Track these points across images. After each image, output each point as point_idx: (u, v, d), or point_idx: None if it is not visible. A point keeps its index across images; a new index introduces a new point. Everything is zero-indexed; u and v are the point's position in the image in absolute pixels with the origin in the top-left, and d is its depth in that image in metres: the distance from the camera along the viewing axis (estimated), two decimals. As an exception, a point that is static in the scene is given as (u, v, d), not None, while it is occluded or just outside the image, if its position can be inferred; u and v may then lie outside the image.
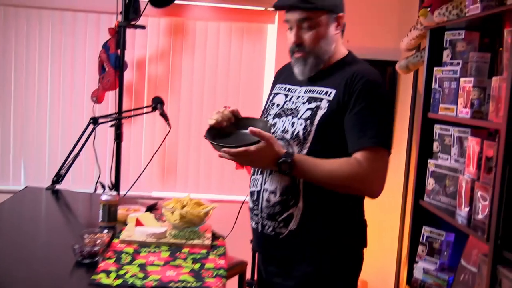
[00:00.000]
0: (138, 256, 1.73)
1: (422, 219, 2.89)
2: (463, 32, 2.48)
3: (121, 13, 3.21)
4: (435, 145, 2.74)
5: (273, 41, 3.64)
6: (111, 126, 3.23)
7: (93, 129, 2.73)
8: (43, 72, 3.61)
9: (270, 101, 1.95)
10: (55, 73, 3.61)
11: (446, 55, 2.58)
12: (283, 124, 1.81)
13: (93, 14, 3.56)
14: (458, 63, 2.47)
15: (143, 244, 1.84)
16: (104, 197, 2.04)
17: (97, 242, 1.70)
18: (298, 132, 1.74)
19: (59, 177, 2.71)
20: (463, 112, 2.39)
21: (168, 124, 3.03)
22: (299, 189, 1.73)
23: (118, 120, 3.20)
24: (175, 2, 3.50)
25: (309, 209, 1.72)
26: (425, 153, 2.84)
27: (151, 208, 2.31)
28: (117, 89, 3.29)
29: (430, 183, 2.71)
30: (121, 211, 2.14)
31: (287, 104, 1.84)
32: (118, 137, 3.26)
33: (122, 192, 3.29)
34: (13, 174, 3.67)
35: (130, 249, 1.79)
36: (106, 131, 3.45)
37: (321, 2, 1.72)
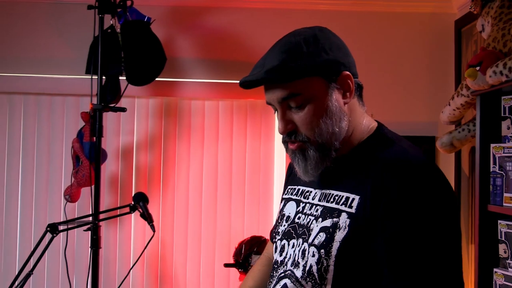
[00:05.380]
0: None
1: None
2: (528, 95, 1.84)
3: (96, 94, 2.68)
4: (502, 249, 2.02)
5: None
6: (86, 230, 2.63)
7: (51, 239, 2.14)
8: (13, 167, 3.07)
9: (280, 210, 1.38)
10: (27, 169, 3.07)
11: (506, 126, 1.93)
12: (294, 252, 1.21)
13: (70, 97, 3.05)
14: (526, 137, 1.82)
15: None
16: None
17: None
18: (311, 268, 1.15)
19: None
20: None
21: (152, 227, 2.43)
22: None
23: (93, 224, 2.60)
24: (165, 79, 3.00)
25: None
26: (488, 259, 2.10)
27: None
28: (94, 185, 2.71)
29: (499, 302, 1.98)
30: None
31: (299, 217, 1.26)
32: (95, 244, 2.64)
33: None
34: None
35: None
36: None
37: (306, 61, 1.15)
